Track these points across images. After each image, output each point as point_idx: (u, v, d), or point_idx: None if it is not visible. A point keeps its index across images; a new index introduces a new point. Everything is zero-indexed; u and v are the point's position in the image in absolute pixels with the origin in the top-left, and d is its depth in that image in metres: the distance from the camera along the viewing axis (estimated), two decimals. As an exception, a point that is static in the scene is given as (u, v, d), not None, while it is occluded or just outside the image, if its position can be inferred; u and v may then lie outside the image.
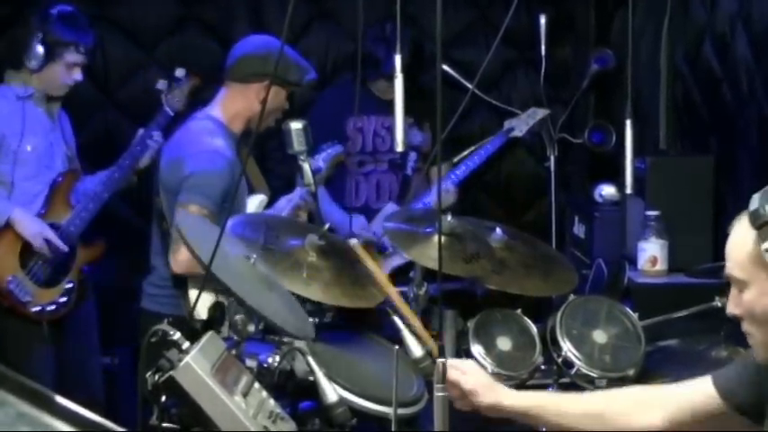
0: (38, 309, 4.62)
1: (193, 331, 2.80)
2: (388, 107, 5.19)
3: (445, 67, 5.53)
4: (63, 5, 4.72)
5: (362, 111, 5.21)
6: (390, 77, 4.90)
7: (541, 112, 5.43)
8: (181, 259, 3.82)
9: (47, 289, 4.66)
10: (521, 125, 5.43)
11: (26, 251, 4.61)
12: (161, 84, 4.84)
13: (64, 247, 4.64)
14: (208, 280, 2.74)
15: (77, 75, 4.72)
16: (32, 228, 4.60)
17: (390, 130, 5.29)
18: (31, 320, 4.61)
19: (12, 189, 4.62)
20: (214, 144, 4.07)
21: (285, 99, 4.26)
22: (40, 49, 4.60)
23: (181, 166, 4.04)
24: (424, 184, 5.40)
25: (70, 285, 4.73)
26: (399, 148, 2.94)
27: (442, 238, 3.43)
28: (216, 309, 2.90)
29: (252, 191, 4.43)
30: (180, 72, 4.84)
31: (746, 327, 2.51)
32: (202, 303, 2.83)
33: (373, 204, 5.32)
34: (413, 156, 5.34)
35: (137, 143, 4.75)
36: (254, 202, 4.36)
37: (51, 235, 4.62)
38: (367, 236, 5.01)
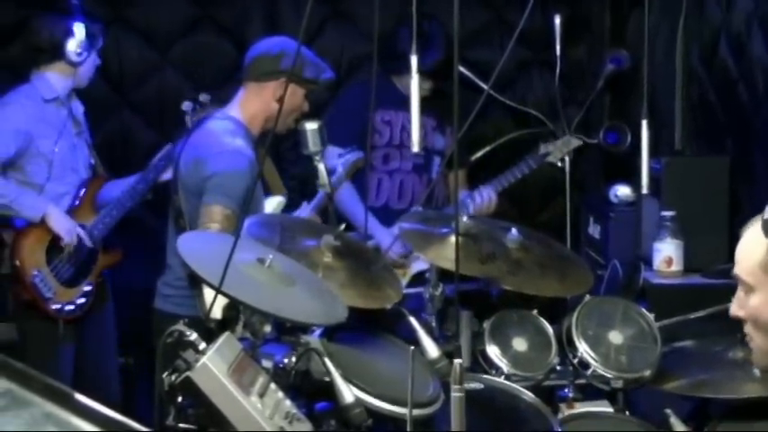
0: (57, 307, 4.68)
1: (209, 331, 2.81)
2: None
3: (460, 68, 5.53)
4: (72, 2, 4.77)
5: (391, 106, 5.20)
6: (424, 74, 4.93)
7: (575, 142, 5.42)
8: None
9: (68, 288, 4.73)
10: (556, 153, 5.40)
11: (53, 248, 4.69)
12: (186, 105, 4.86)
13: (89, 245, 4.72)
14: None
15: (98, 59, 4.84)
16: (65, 223, 4.68)
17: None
18: (50, 319, 4.66)
19: (41, 190, 4.67)
20: (235, 144, 4.08)
21: (303, 99, 4.26)
22: (83, 40, 4.66)
23: (203, 166, 4.05)
24: (443, 189, 5.40)
25: (89, 288, 4.79)
26: (415, 148, 2.93)
27: (456, 240, 3.42)
28: (231, 309, 2.90)
29: (268, 192, 4.43)
30: (204, 97, 4.86)
31: (748, 329, 2.53)
32: (217, 303, 2.84)
33: (394, 205, 5.29)
34: (437, 160, 5.34)
35: (162, 157, 4.79)
36: (272, 204, 4.37)
37: (81, 233, 4.71)
38: (398, 252, 5.01)
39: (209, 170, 4.02)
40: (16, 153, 4.62)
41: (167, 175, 4.76)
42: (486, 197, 5.21)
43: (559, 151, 5.39)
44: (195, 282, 3.79)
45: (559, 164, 5.39)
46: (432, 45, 5.00)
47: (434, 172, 5.34)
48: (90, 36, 4.72)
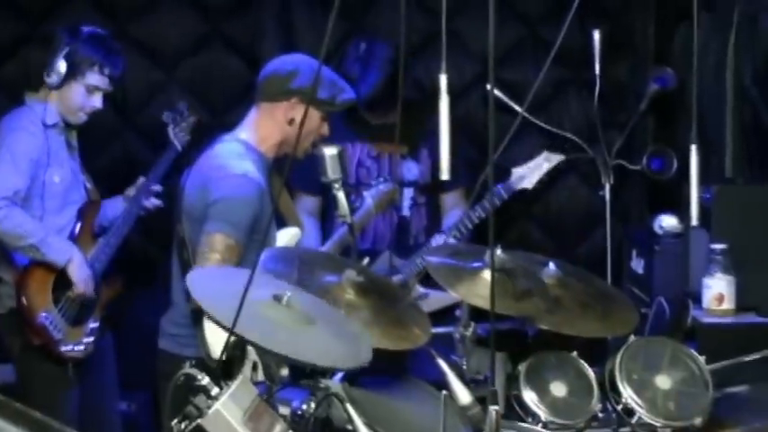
0: (67, 348, 4.72)
1: (212, 372, 2.80)
2: (376, 133, 5.18)
3: (489, 87, 5.54)
4: (91, 27, 4.79)
5: (345, 139, 5.09)
6: (364, 101, 4.89)
7: (555, 158, 5.37)
8: None
9: (75, 328, 4.75)
10: (531, 176, 5.33)
11: (58, 287, 4.69)
12: (166, 115, 4.90)
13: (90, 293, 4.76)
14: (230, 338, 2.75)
15: (97, 101, 4.79)
16: (84, 272, 4.71)
17: (377, 159, 5.24)
18: (58, 361, 4.67)
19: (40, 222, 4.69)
20: (242, 168, 4.07)
21: (320, 121, 4.24)
22: (62, 64, 4.68)
23: (206, 191, 4.06)
24: (422, 220, 5.35)
25: (95, 325, 4.83)
26: (445, 176, 2.92)
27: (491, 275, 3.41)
28: (235, 347, 2.90)
29: (283, 224, 4.42)
30: (182, 105, 4.91)
31: None
32: (220, 341, 2.84)
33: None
34: (407, 193, 5.30)
35: (158, 166, 4.83)
36: (286, 237, 4.34)
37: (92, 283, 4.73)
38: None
39: (213, 196, 4.03)
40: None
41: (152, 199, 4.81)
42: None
43: (536, 173, 5.33)
44: (198, 319, 3.80)
45: (537, 186, 5.32)
46: (369, 69, 4.98)
47: (405, 207, 5.31)
48: (74, 61, 4.70)
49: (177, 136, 4.93)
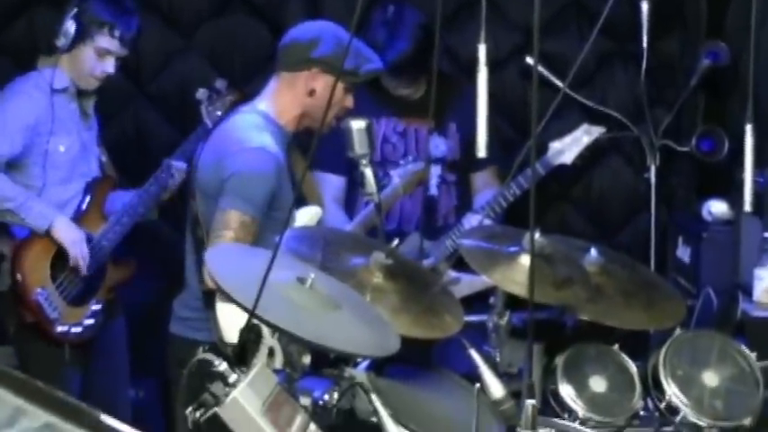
0: (63, 329, 4.70)
1: (226, 358, 2.80)
2: (402, 107, 5.17)
3: (529, 60, 5.54)
4: None
5: (371, 112, 4.97)
6: (392, 70, 4.87)
7: (596, 131, 5.33)
8: None
9: (74, 308, 4.73)
10: (569, 151, 5.29)
11: (58, 263, 4.69)
12: (201, 93, 4.88)
13: (86, 259, 4.72)
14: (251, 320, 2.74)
15: (108, 65, 4.77)
16: (73, 234, 4.67)
17: (404, 135, 5.22)
18: (54, 342, 4.67)
19: (41, 194, 4.68)
20: (260, 140, 4.05)
21: (344, 93, 4.21)
22: (71, 26, 4.67)
23: (221, 166, 4.04)
24: (451, 200, 5.32)
25: (98, 307, 4.80)
26: (481, 153, 2.92)
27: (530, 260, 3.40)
28: (249, 332, 2.89)
29: (303, 203, 4.40)
30: (220, 83, 4.89)
31: None
32: (233, 325, 2.84)
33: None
34: (434, 170, 5.27)
35: (186, 146, 4.83)
36: (305, 216, 4.32)
37: (86, 247, 4.70)
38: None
39: (228, 170, 4.01)
40: (22, 151, 4.64)
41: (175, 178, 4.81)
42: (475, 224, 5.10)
43: (575, 147, 5.28)
44: (210, 301, 3.80)
45: (577, 162, 5.28)
46: (397, 34, 4.96)
47: (432, 186, 5.28)
48: (83, 23, 4.70)
49: (210, 115, 4.90)
